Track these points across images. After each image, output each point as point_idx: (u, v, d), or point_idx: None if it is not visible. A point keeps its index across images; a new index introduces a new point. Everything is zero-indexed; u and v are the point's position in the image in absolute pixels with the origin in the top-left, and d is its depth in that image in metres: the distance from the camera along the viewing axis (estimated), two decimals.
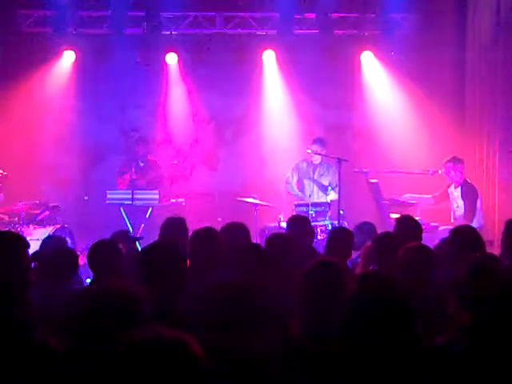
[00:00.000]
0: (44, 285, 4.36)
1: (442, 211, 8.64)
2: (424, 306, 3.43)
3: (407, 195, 8.64)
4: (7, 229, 7.47)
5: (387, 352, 2.58)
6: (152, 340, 1.96)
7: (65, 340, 2.74)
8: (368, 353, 2.58)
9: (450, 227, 8.07)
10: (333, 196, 8.94)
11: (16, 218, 8.49)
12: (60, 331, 3.08)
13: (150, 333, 1.98)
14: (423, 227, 5.90)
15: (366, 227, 6.57)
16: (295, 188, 9.25)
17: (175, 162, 10.37)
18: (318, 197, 9.06)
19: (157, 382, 1.91)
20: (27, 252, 3.53)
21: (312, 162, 9.22)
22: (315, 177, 9.19)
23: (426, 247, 4.53)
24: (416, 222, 5.73)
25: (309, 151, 9.09)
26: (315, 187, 9.16)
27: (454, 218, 8.42)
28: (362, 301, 2.71)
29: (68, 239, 7.69)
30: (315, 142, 9.12)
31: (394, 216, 7.70)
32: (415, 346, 2.65)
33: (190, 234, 4.98)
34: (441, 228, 8.14)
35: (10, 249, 3.24)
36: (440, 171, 8.63)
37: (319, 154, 9.09)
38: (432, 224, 8.18)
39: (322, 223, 8.28)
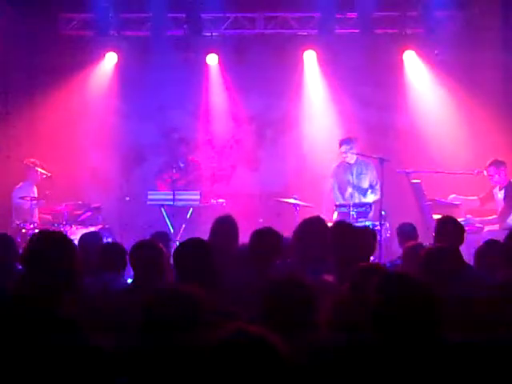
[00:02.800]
0: (92, 280, 4.41)
1: (487, 212, 8.47)
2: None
3: (452, 196, 8.50)
4: (51, 229, 7.56)
5: (411, 351, 2.55)
6: (237, 338, 1.97)
7: (115, 335, 2.76)
8: (392, 352, 2.55)
9: (496, 228, 7.95)
10: (373, 197, 8.84)
11: (59, 219, 8.63)
12: (110, 326, 3.10)
13: (235, 330, 1.99)
14: (468, 228, 5.79)
15: (406, 228, 6.48)
16: (339, 196, 9.12)
17: (214, 165, 10.39)
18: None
19: (243, 380, 1.91)
20: (76, 251, 3.56)
21: (347, 163, 9.10)
22: (354, 178, 9.07)
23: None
24: (457, 223, 5.60)
25: (349, 155, 8.97)
26: (356, 193, 9.02)
27: None
28: (385, 301, 2.68)
29: (109, 239, 7.76)
30: (342, 143, 9.00)
31: (437, 217, 7.57)
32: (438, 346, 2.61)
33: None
34: (486, 229, 7.99)
35: (59, 249, 3.27)
36: (485, 172, 8.47)
37: (357, 154, 8.99)
38: (477, 225, 8.03)
39: (363, 224, 8.17)
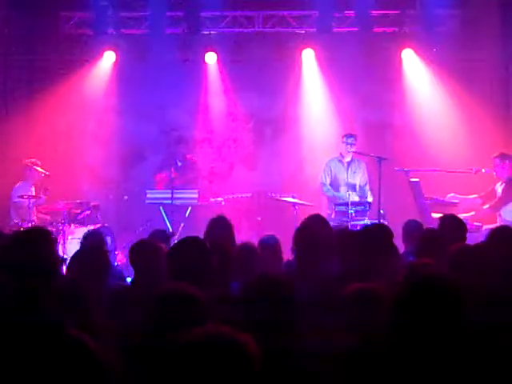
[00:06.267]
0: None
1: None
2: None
3: (451, 195, 8.51)
4: (49, 228, 7.57)
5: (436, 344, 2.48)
6: (208, 339, 1.96)
7: (105, 341, 2.74)
8: (415, 345, 2.49)
9: (494, 227, 7.95)
10: (370, 198, 8.86)
11: (58, 217, 8.64)
12: (100, 332, 3.09)
13: (208, 332, 1.98)
14: (468, 227, 5.79)
15: (412, 225, 6.44)
16: (331, 189, 9.11)
17: (212, 164, 10.39)
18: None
19: (210, 382, 1.90)
20: (54, 246, 3.50)
21: (343, 159, 9.09)
22: (349, 176, 9.07)
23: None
24: (461, 221, 5.62)
25: (352, 149, 8.97)
26: (350, 191, 8.99)
27: (499, 215, 8.31)
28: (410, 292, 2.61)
29: (108, 238, 7.75)
30: (349, 136, 9.00)
31: (436, 215, 7.58)
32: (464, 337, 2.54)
33: None
34: (485, 227, 8.00)
35: (36, 244, 3.21)
36: (483, 170, 8.49)
37: (358, 153, 8.99)
38: (476, 224, 8.04)
39: (361, 222, 8.19)
